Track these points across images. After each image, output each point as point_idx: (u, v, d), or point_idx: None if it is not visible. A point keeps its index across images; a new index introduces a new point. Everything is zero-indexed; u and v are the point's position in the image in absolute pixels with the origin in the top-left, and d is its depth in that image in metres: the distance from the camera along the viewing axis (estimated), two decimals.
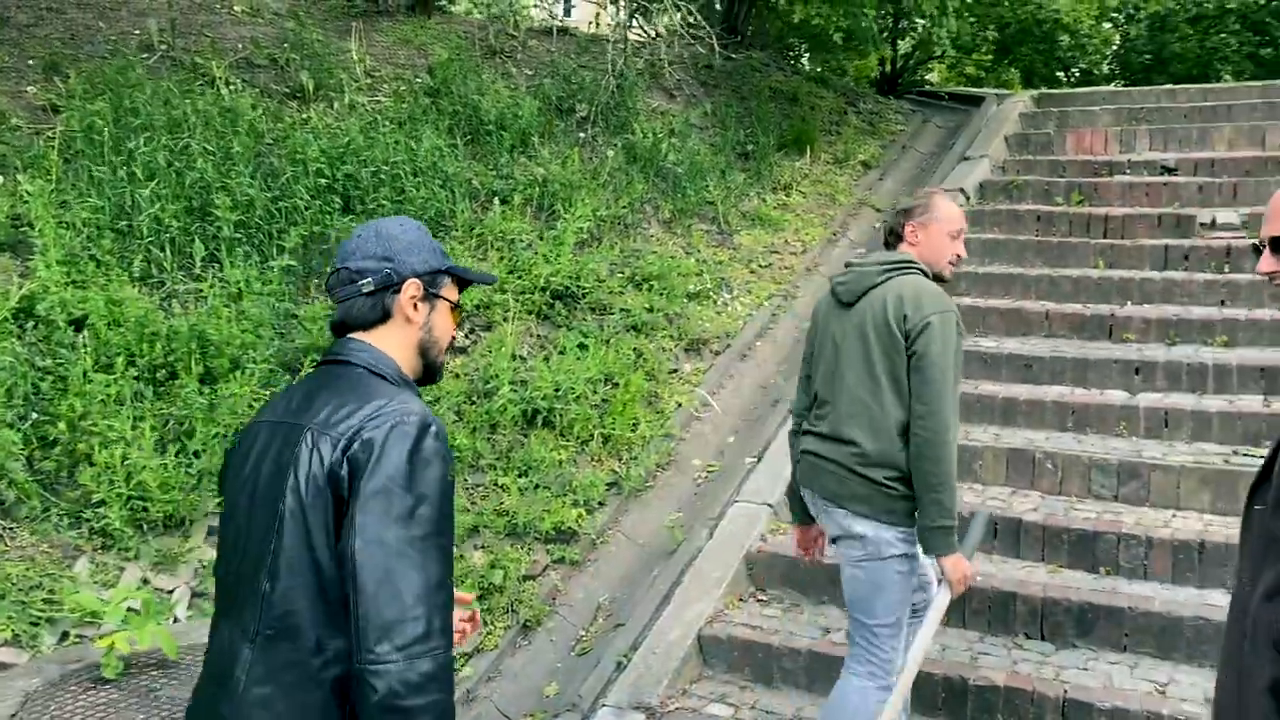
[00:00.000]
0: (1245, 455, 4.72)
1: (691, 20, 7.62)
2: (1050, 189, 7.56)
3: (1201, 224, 6.73)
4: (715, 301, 6.59)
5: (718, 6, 9.62)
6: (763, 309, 6.71)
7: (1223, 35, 18.03)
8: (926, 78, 17.81)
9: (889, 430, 3.00)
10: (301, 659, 1.61)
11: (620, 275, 6.37)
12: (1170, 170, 7.41)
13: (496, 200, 6.38)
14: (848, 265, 3.32)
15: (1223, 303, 5.99)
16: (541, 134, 7.06)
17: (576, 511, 4.97)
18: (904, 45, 15.80)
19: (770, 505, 4.97)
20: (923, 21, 11.43)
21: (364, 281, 1.81)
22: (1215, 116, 8.12)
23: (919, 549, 3.04)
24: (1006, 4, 16.71)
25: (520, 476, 5.05)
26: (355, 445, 1.61)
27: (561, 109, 7.46)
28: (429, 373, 1.90)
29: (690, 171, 7.27)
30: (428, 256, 1.87)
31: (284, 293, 5.17)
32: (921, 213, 3.21)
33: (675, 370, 6.06)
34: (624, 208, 6.75)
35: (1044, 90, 9.68)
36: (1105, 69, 18.28)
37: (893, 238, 3.27)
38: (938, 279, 3.19)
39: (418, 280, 1.84)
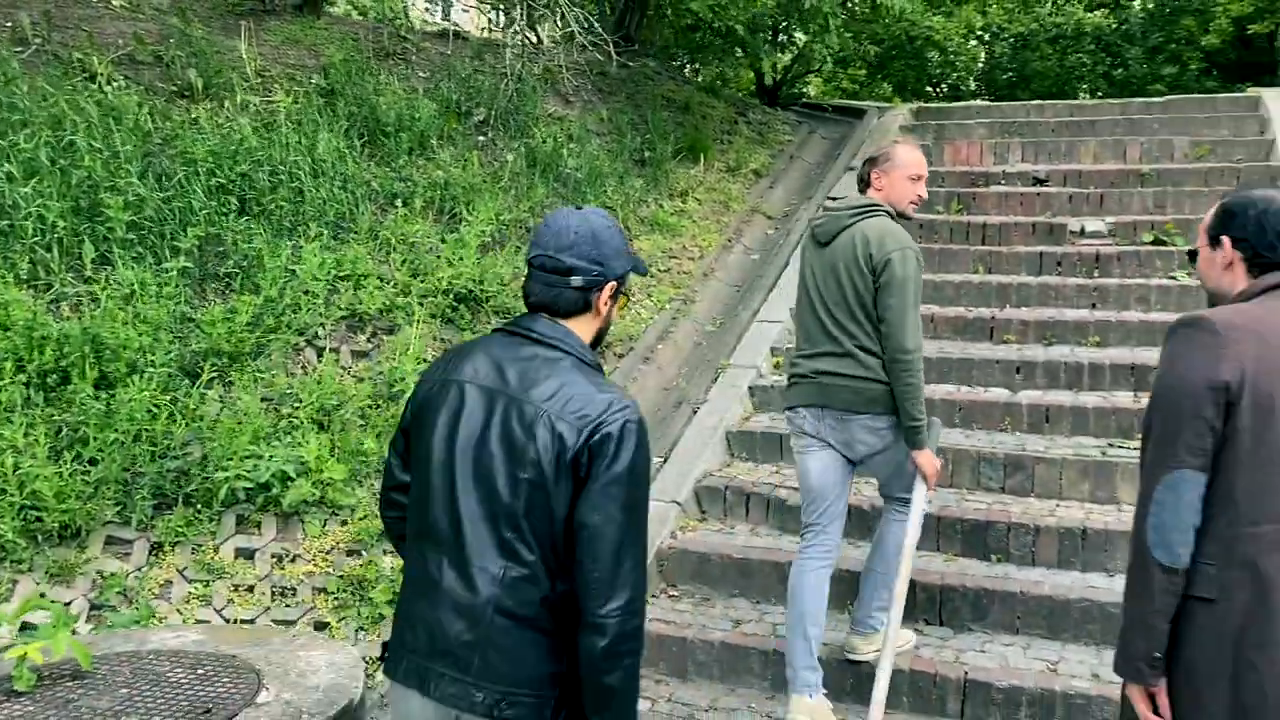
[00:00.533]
0: (1119, 447, 5.06)
1: (585, 26, 7.69)
2: (931, 198, 7.90)
3: (1072, 232, 7.16)
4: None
5: (609, 14, 9.72)
6: (663, 312, 6.83)
7: (1079, 55, 19.13)
8: (805, 90, 18.33)
9: (873, 347, 3.58)
10: (536, 598, 1.94)
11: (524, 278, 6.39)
12: (1041, 181, 7.85)
13: (399, 202, 6.32)
14: (823, 209, 3.84)
15: (1094, 305, 6.39)
16: (440, 136, 7.03)
17: None
18: (784, 58, 16.27)
19: (679, 503, 5.08)
20: (805, 37, 11.82)
21: (576, 278, 2.05)
22: (1080, 131, 8.64)
23: None
24: (881, 22, 17.38)
25: None
26: (596, 436, 1.91)
27: (459, 112, 7.43)
28: (594, 346, 2.16)
29: (590, 177, 7.34)
30: (625, 260, 2.12)
31: (180, 295, 5.02)
32: (884, 161, 3.73)
33: None
34: (526, 211, 6.77)
35: (922, 104, 10.11)
36: (972, 85, 19.15)
37: (862, 184, 3.79)
38: (902, 217, 3.73)
39: (615, 282, 2.11)
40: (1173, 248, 6.70)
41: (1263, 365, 2.07)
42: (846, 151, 9.07)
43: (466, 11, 12.04)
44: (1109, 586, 4.25)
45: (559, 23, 7.43)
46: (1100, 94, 17.45)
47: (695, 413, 5.79)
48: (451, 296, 5.90)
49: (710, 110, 9.51)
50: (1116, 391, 5.52)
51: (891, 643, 3.58)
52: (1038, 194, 7.62)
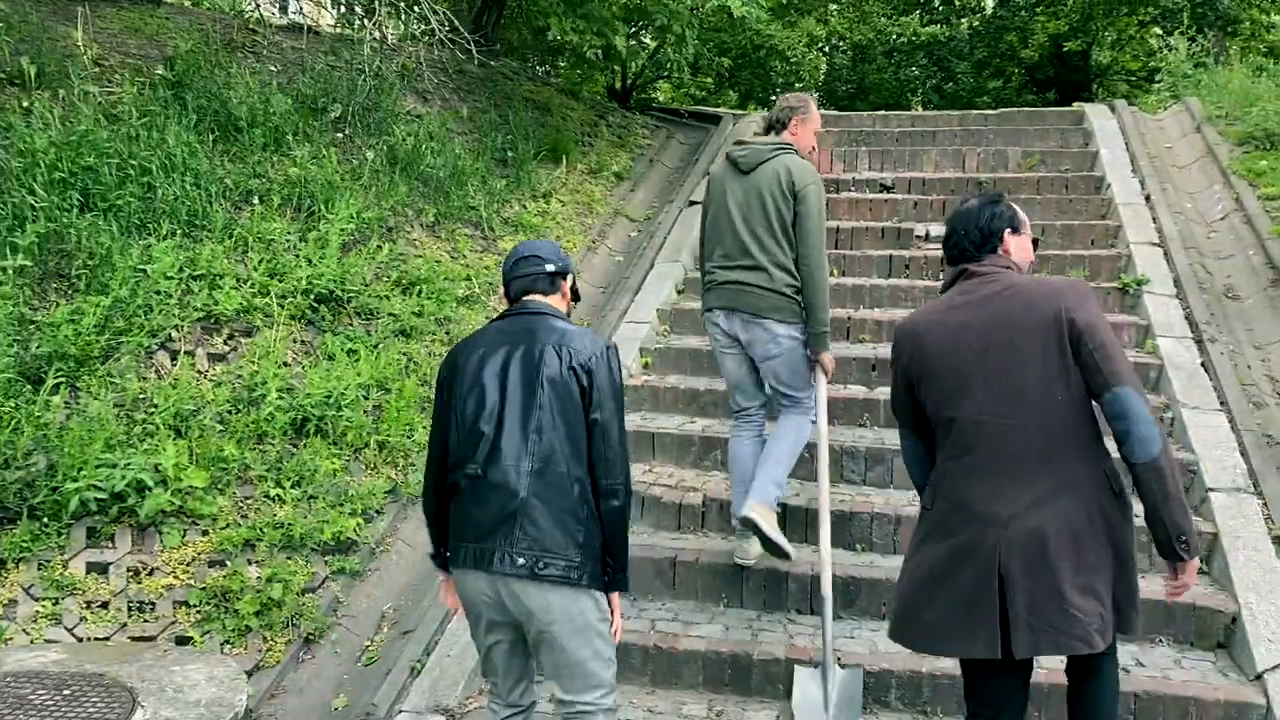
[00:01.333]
0: None
1: (442, 23, 7.59)
2: None
3: (917, 236, 7.52)
4: (485, 306, 6.62)
5: (467, 12, 9.61)
6: None
7: (912, 69, 20.08)
8: (655, 96, 18.57)
9: (784, 262, 4.21)
10: (559, 480, 2.73)
11: (387, 279, 6.27)
12: (888, 188, 8.22)
13: (255, 200, 6.09)
14: (740, 143, 4.41)
15: None
16: (295, 133, 6.80)
17: (354, 521, 4.86)
18: (634, 65, 16.44)
19: None
20: (654, 43, 11.99)
21: (549, 265, 2.98)
22: (922, 141, 9.09)
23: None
24: (728, 31, 17.79)
25: (294, 487, 4.87)
26: (591, 361, 2.78)
27: (315, 108, 7.22)
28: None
29: (453, 175, 7.25)
30: (567, 262, 3.09)
31: (19, 296, 4.70)
32: (804, 111, 4.41)
33: None
34: (387, 210, 6.63)
35: None
36: (815, 94, 19.81)
37: (778, 126, 4.41)
38: None
39: (572, 276, 3.10)
40: None
41: (918, 349, 2.85)
42: (705, 156, 9.26)
43: (306, 5, 11.72)
44: None
45: (414, 19, 7.28)
46: (932, 105, 18.35)
47: None
48: (312, 297, 5.72)
49: (570, 112, 9.54)
50: None
51: (825, 505, 4.29)
52: (885, 200, 7.97)
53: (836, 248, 7.57)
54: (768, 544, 4.29)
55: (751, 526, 4.27)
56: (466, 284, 6.61)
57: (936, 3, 20.03)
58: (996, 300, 2.77)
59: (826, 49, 20.69)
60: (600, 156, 8.93)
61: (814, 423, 4.45)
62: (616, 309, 6.88)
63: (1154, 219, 7.19)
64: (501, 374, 2.81)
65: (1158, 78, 11.08)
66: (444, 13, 7.25)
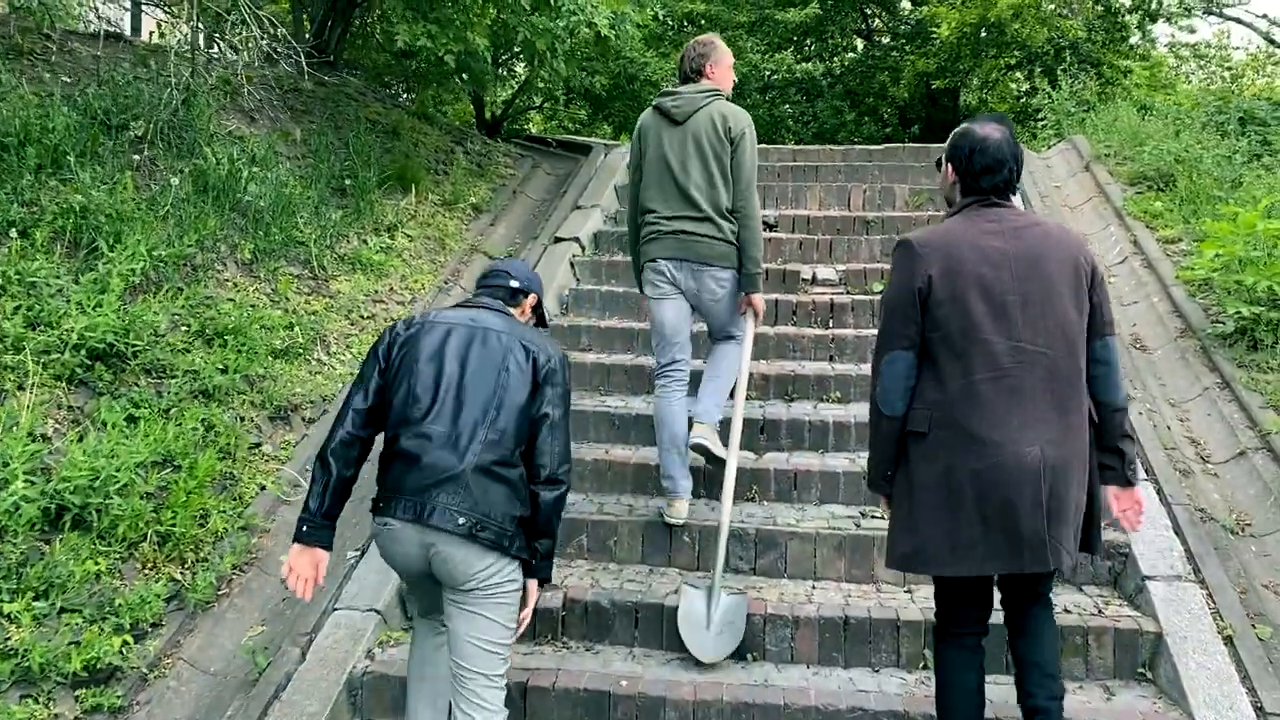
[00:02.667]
0: (873, 517, 4.64)
1: (272, 34, 6.60)
2: None
3: (804, 279, 6.88)
4: (309, 359, 5.63)
5: (308, 26, 8.60)
6: None
7: (786, 105, 19.88)
8: (526, 127, 17.84)
9: (723, 207, 4.39)
10: (507, 458, 2.94)
11: (186, 329, 5.22)
12: (771, 226, 7.56)
13: (14, 233, 4.98)
14: (669, 93, 4.52)
15: (832, 358, 6.07)
16: (82, 153, 5.69)
17: (120, 639, 3.82)
18: (505, 92, 15.64)
19: (378, 611, 4.13)
20: (525, 71, 11.20)
21: (514, 281, 3.29)
22: (805, 176, 8.50)
23: None
24: (601, 61, 17.19)
25: (37, 599, 3.80)
26: (551, 362, 3.06)
27: (110, 125, 6.11)
28: None
29: (276, 206, 6.24)
30: (540, 287, 3.41)
31: None
32: (714, 52, 4.54)
33: (259, 445, 5.02)
34: (191, 246, 5.58)
35: None
36: None
37: (695, 74, 4.53)
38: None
39: (537, 298, 3.38)
40: None
41: (946, 267, 2.83)
42: (574, 188, 8.46)
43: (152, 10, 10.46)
44: (874, 686, 3.75)
45: (231, 24, 6.27)
46: (805, 142, 18.12)
47: None
48: (84, 352, 4.64)
49: (423, 137, 8.60)
50: (862, 452, 5.14)
51: (735, 438, 4.48)
52: (769, 239, 7.30)
53: None
54: (714, 460, 4.58)
55: (703, 452, 4.53)
56: (287, 333, 5.61)
57: (809, 41, 19.87)
58: (1028, 234, 2.90)
59: None
60: (456, 186, 8.02)
61: (731, 344, 4.63)
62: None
63: None
64: (464, 350, 3.00)
65: (1040, 116, 10.85)
66: (267, 18, 6.25)
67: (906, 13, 19.49)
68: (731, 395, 4.68)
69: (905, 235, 2.99)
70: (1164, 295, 6.26)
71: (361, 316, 6.22)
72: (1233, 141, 7.43)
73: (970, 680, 3.02)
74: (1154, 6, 17.12)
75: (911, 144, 9.22)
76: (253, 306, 5.68)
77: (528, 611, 3.07)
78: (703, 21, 18.93)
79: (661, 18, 18.22)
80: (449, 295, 6.81)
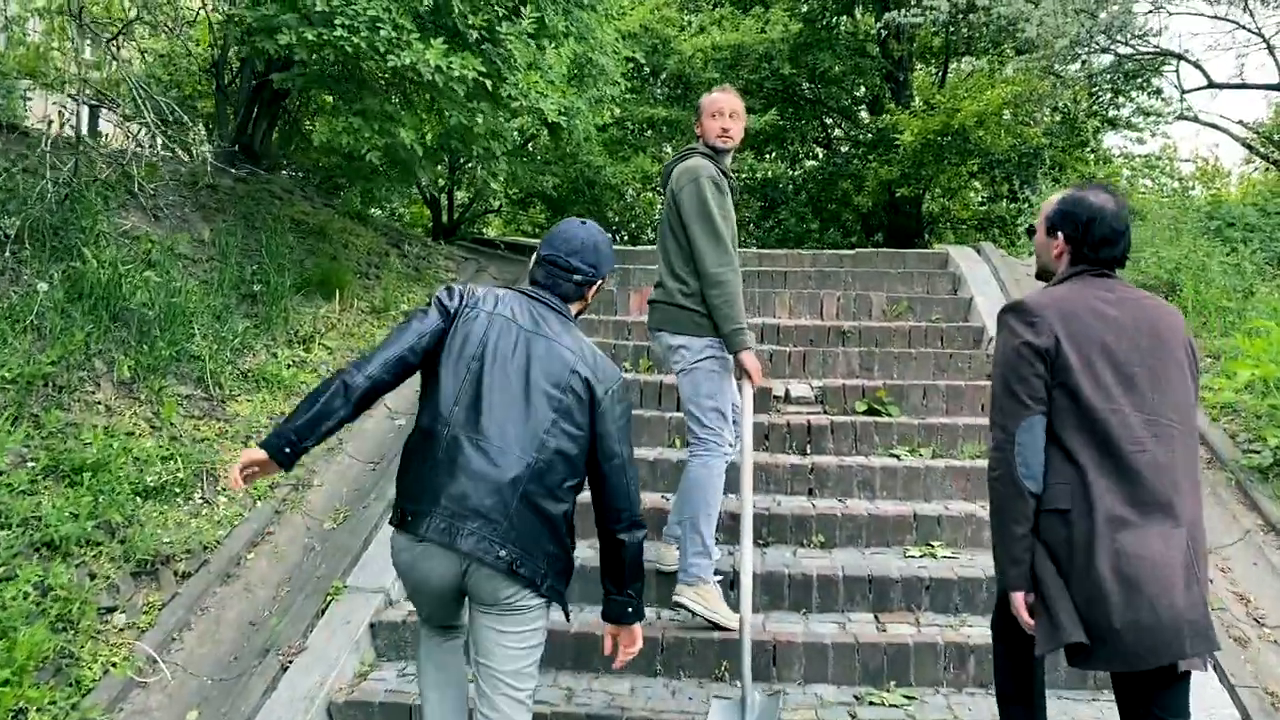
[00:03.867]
0: (874, 701, 3.75)
1: (177, 125, 5.85)
2: (617, 353, 6.66)
3: (776, 397, 6.10)
4: (188, 498, 4.70)
5: (232, 118, 7.89)
6: (262, 504, 4.93)
7: (747, 212, 19.53)
8: (484, 231, 17.29)
9: (678, 272, 4.07)
10: (554, 490, 2.66)
11: (33, 465, 4.30)
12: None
13: None
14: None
15: (811, 491, 5.25)
16: None
17: None
18: (462, 195, 15.06)
19: None
20: (475, 168, 10.59)
21: (577, 276, 2.87)
22: (773, 282, 7.82)
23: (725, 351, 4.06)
24: (559, 163, 16.74)
25: None
26: (610, 391, 2.74)
27: None
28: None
29: (167, 315, 5.38)
30: (611, 263, 2.98)
31: None
32: (695, 112, 4.25)
33: (112, 610, 4.06)
34: (53, 363, 4.70)
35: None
36: (650, 234, 18.90)
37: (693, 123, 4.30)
38: (717, 152, 4.16)
39: (602, 281, 2.98)
40: (889, 418, 5.76)
41: (1070, 330, 2.65)
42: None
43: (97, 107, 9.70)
44: None
45: (136, 118, 5.51)
46: (766, 246, 17.69)
47: (285, 670, 3.91)
48: None
49: (355, 239, 7.83)
50: (854, 614, 4.28)
51: (748, 524, 3.88)
52: None
53: (679, 409, 6.05)
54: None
55: (685, 609, 4.03)
56: (165, 466, 4.69)
57: (770, 148, 19.64)
58: (1140, 306, 2.75)
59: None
60: (388, 292, 7.21)
61: (728, 459, 4.11)
62: (385, 495, 5.07)
63: None
64: (526, 357, 2.72)
65: (1019, 221, 10.34)
66: (165, 103, 5.50)
67: (867, 122, 19.36)
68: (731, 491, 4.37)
69: (1013, 300, 2.81)
70: None
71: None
72: (1241, 248, 6.86)
73: None
74: (1110, 114, 17.08)
75: (885, 249, 8.59)
76: (128, 434, 4.77)
77: (634, 649, 2.92)
78: (664, 127, 18.65)
79: (621, 120, 17.92)
80: (370, 415, 5.93)
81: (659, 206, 19.06)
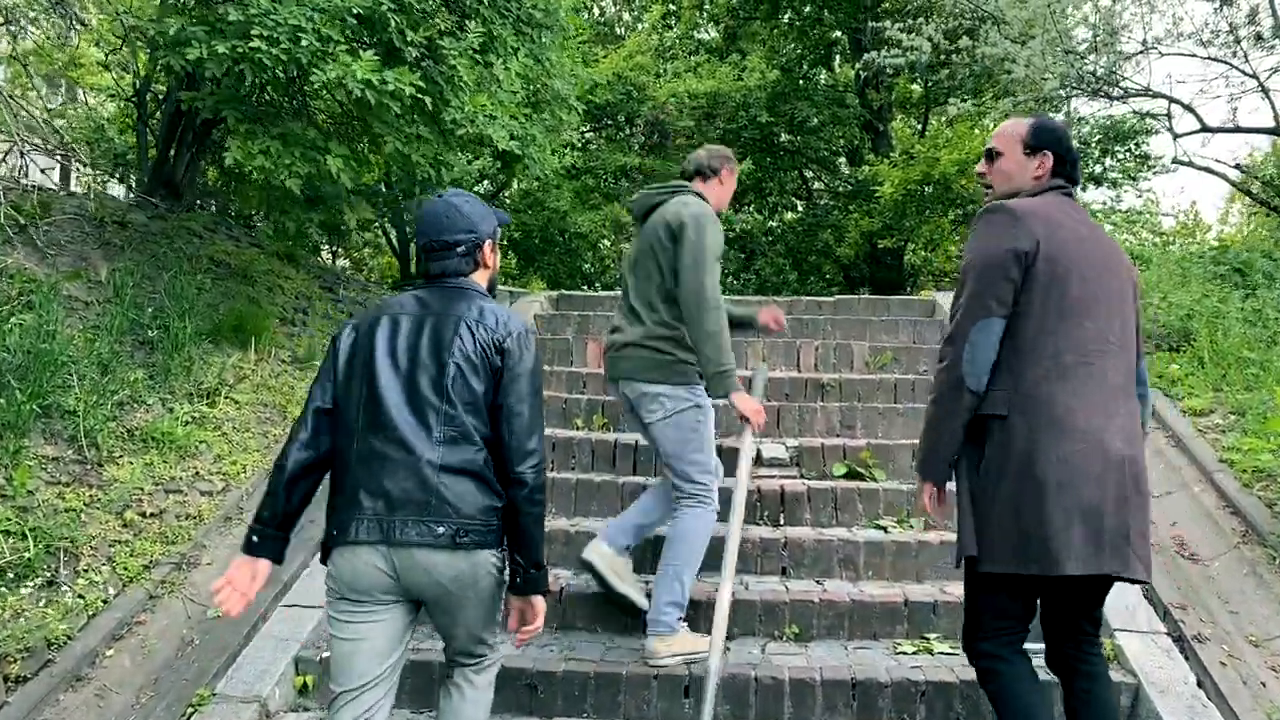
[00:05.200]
0: None
1: (79, 159, 5.14)
2: (569, 408, 5.92)
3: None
4: (37, 583, 3.91)
5: (151, 152, 7.18)
6: (131, 590, 4.13)
7: (726, 263, 19.00)
8: None
9: (664, 319, 3.85)
10: (472, 454, 2.60)
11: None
12: None
13: None
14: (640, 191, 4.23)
15: (785, 571, 4.50)
16: None
17: None
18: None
19: None
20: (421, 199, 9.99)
21: (459, 248, 2.78)
22: (745, 330, 7.12)
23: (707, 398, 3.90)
24: (530, 211, 16.20)
25: None
26: (506, 342, 2.67)
27: None
28: (490, 293, 2.90)
29: (34, 361, 4.62)
30: (490, 220, 2.88)
31: None
32: (716, 167, 4.10)
33: None
34: None
35: (563, 292, 8.35)
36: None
37: (708, 171, 4.12)
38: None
39: (491, 239, 2.86)
40: (874, 483, 5.04)
41: (1051, 237, 2.71)
42: None
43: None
44: None
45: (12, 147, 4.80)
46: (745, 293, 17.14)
47: None
48: None
49: (283, 281, 7.09)
50: None
51: (728, 578, 3.57)
52: None
53: (635, 472, 5.33)
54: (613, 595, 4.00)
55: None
56: (13, 546, 3.90)
57: (749, 198, 19.16)
58: (1100, 231, 2.87)
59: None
60: (314, 339, 6.46)
61: (712, 510, 3.91)
62: (279, 579, 4.28)
63: None
64: (412, 344, 2.67)
65: None
66: (59, 127, 4.79)
67: (847, 173, 18.94)
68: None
69: (994, 203, 2.87)
70: (1208, 485, 4.84)
71: (142, 515, 4.53)
72: (1262, 292, 6.23)
73: (1032, 685, 2.79)
74: (1096, 171, 16.68)
75: (867, 296, 7.93)
76: None
77: (538, 625, 2.73)
78: (639, 175, 18.17)
79: (592, 168, 17.42)
80: None
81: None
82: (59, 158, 6.09)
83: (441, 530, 2.54)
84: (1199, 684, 3.55)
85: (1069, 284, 2.69)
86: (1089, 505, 2.59)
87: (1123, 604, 3.98)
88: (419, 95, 5.38)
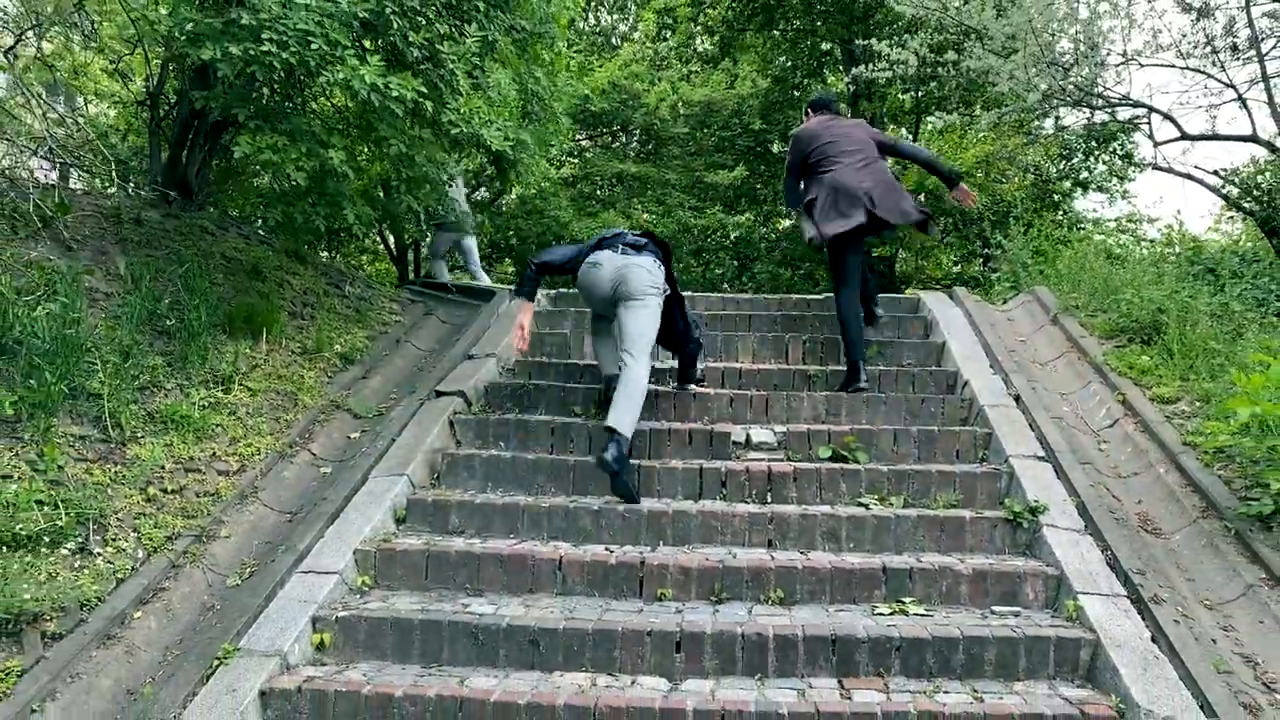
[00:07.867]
0: None
1: (89, 157, 5.41)
2: (567, 397, 6.19)
3: (735, 443, 5.64)
4: (64, 551, 4.16)
5: (162, 152, 7.45)
6: (155, 559, 4.39)
7: (719, 269, 19.26)
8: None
9: None
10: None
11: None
12: (697, 380, 6.36)
13: None
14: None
15: (771, 543, 4.76)
16: None
17: None
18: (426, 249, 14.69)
19: None
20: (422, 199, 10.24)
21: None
22: (736, 326, 7.41)
23: None
24: (523, 217, 16.45)
25: None
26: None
27: None
28: None
29: (62, 349, 4.88)
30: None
31: None
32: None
33: None
34: None
35: (561, 290, 8.62)
36: None
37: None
38: None
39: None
40: (857, 465, 5.31)
41: (815, 136, 6.47)
42: (467, 336, 7.24)
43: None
44: None
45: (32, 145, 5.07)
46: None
47: None
48: None
49: (291, 278, 7.36)
50: (816, 679, 3.78)
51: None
52: (693, 395, 6.11)
53: (630, 455, 5.58)
54: None
55: None
56: (40, 512, 4.16)
57: (742, 201, 19.43)
58: (840, 122, 6.58)
59: None
60: (322, 332, 6.73)
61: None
62: (296, 548, 4.54)
63: (1031, 424, 5.57)
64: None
65: (993, 266, 10.04)
66: (74, 123, 5.05)
67: None
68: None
69: (792, 131, 6.60)
70: (1171, 465, 5.12)
71: (166, 490, 4.79)
72: (1228, 288, 6.52)
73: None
74: (1083, 176, 16.99)
75: None
76: (3, 479, 4.25)
77: None
78: (634, 182, 18.46)
79: (589, 175, 17.70)
80: (292, 462, 5.42)
81: None
82: (59, 163, 6.34)
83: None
84: (1153, 639, 3.82)
85: (826, 150, 6.33)
86: (851, 205, 6.15)
87: (1086, 570, 4.25)
88: (421, 98, 5.65)
